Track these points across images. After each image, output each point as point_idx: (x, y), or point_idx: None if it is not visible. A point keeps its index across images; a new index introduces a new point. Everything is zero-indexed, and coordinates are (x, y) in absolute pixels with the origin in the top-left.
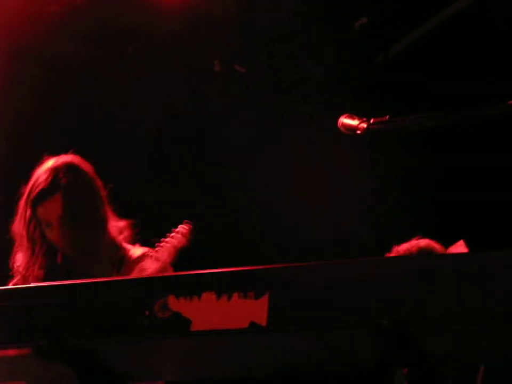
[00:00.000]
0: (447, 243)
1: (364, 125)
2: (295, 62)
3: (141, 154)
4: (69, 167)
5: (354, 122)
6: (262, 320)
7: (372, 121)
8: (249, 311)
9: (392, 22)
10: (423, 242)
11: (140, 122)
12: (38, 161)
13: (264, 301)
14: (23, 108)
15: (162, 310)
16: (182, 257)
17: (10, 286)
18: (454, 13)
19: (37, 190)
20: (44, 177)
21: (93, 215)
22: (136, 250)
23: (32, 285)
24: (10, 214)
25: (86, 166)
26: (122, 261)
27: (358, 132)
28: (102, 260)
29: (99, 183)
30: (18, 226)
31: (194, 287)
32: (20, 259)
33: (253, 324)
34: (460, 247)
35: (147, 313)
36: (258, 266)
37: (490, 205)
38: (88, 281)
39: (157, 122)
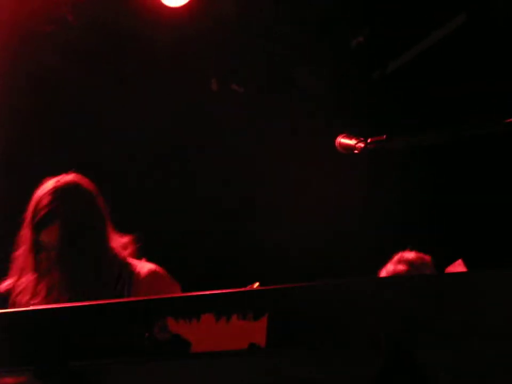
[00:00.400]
0: (446, 257)
1: (361, 145)
2: (293, 79)
3: (138, 168)
4: (68, 190)
5: (351, 142)
6: (261, 341)
7: (369, 140)
8: (248, 332)
9: (390, 38)
10: (417, 254)
11: (136, 139)
12: (33, 171)
13: (263, 322)
14: (16, 127)
15: (161, 332)
16: (180, 278)
17: (7, 310)
18: (453, 29)
19: (39, 215)
20: (44, 202)
21: (93, 236)
22: (144, 266)
23: (30, 308)
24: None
25: (86, 186)
26: (131, 278)
27: (356, 151)
28: (105, 279)
29: (100, 201)
30: (23, 251)
31: (193, 309)
32: (25, 281)
33: (252, 345)
34: (458, 266)
35: (147, 335)
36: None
37: (490, 218)
38: (87, 303)
39: (154, 136)
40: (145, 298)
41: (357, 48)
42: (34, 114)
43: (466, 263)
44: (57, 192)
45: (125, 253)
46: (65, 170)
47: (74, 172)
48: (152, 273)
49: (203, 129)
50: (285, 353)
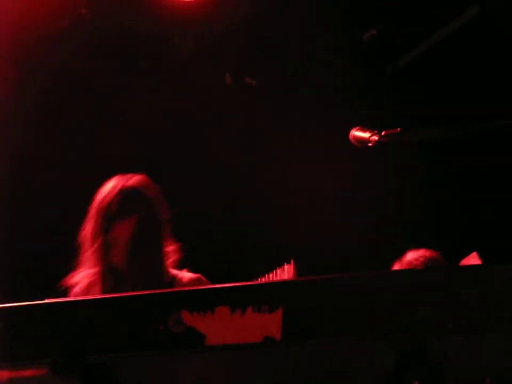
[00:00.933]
0: (460, 252)
1: (375, 138)
2: (306, 73)
3: (149, 165)
4: (143, 189)
5: (365, 134)
6: (277, 334)
7: (383, 133)
8: (263, 325)
9: (402, 32)
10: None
11: (148, 135)
12: (45, 171)
13: (278, 314)
14: (31, 118)
15: (176, 325)
16: (195, 271)
17: (25, 303)
18: (464, 22)
19: (112, 210)
20: (118, 197)
21: (159, 236)
22: (187, 273)
23: (46, 301)
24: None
25: (156, 188)
26: (174, 283)
27: (370, 144)
28: (156, 281)
29: (165, 205)
30: (91, 243)
31: (207, 302)
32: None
33: (267, 338)
34: (473, 259)
35: (161, 327)
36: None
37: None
38: (102, 297)
39: (166, 134)
40: (160, 291)
41: (370, 41)
42: (50, 111)
43: (481, 256)
44: (133, 190)
45: (168, 261)
46: (87, 167)
47: (140, 173)
48: (196, 278)
49: (213, 124)
50: (300, 346)
